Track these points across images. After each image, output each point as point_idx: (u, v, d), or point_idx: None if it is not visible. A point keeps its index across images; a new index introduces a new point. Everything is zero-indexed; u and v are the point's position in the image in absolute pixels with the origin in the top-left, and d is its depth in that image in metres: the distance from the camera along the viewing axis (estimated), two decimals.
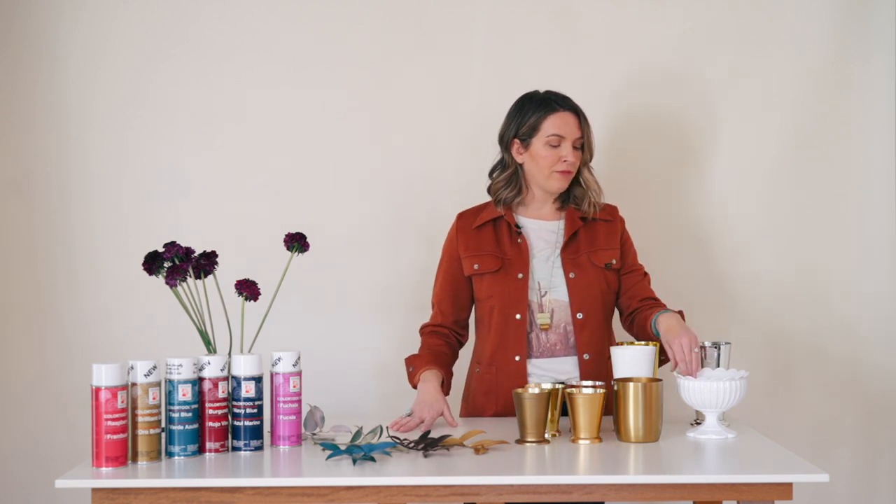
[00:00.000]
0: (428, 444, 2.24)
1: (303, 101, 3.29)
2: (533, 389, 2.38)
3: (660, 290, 3.35)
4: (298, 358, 2.36)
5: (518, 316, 2.65)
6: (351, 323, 3.29)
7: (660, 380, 2.37)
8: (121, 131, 3.28)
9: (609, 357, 2.64)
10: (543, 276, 2.69)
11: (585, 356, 2.66)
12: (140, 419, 2.18)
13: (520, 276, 2.66)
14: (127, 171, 3.28)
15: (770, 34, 3.31)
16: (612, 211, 2.81)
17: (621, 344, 2.60)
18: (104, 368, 2.13)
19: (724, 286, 3.33)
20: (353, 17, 3.29)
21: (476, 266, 2.72)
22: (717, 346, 2.50)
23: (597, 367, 2.66)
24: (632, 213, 3.29)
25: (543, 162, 2.69)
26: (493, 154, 3.05)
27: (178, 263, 2.38)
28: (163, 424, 2.24)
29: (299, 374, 2.36)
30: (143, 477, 2.08)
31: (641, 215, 3.29)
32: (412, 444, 2.26)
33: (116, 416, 2.14)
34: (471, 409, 2.75)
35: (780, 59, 3.30)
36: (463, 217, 2.80)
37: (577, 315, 2.66)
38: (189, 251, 2.41)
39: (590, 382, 2.44)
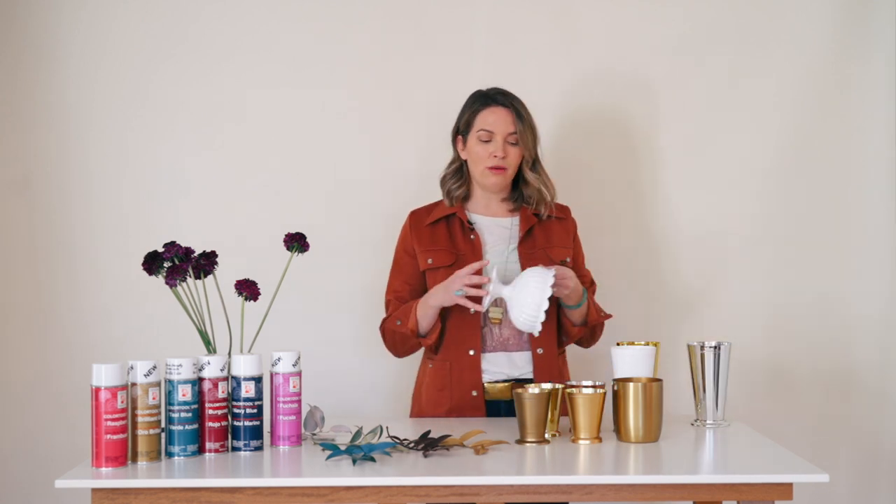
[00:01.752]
0: (428, 444, 2.24)
1: (303, 101, 3.29)
2: (533, 389, 2.38)
3: (660, 288, 3.36)
4: (298, 358, 2.36)
5: (472, 310, 2.65)
6: (351, 323, 3.28)
7: (660, 380, 2.37)
8: (121, 131, 3.28)
9: (560, 353, 2.72)
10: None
11: (539, 351, 2.67)
12: (140, 419, 2.18)
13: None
14: (127, 171, 3.28)
15: (770, 34, 3.31)
16: (565, 210, 2.83)
17: (621, 344, 2.61)
18: (104, 368, 2.13)
19: (724, 285, 3.32)
20: (353, 17, 3.29)
21: (430, 261, 2.72)
22: (717, 346, 2.50)
23: (549, 362, 2.68)
24: (632, 212, 3.31)
25: (476, 157, 2.71)
26: None
27: (177, 263, 2.38)
28: (162, 424, 2.24)
29: (299, 374, 2.36)
30: (142, 477, 2.08)
31: (641, 214, 3.30)
32: (412, 444, 2.26)
33: (116, 416, 2.14)
34: (423, 405, 2.74)
35: (780, 59, 3.30)
36: (416, 214, 2.81)
37: None
38: (189, 251, 2.41)
39: (590, 382, 2.44)
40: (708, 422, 2.51)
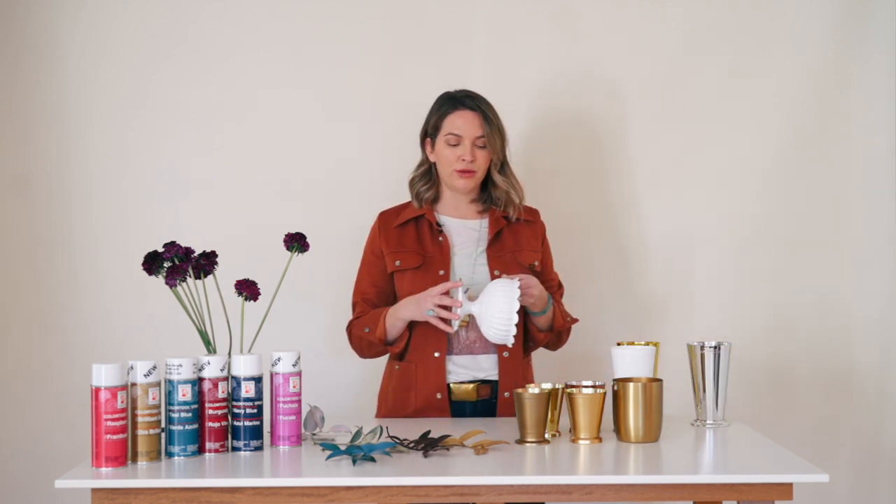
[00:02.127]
0: (428, 444, 2.24)
1: (303, 101, 3.29)
2: (533, 389, 2.38)
3: (663, 288, 3.35)
4: (298, 358, 2.36)
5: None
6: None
7: (660, 380, 2.37)
8: (121, 131, 3.28)
9: (525, 356, 2.73)
10: (465, 274, 2.70)
11: (505, 354, 2.68)
12: (140, 419, 2.18)
13: (441, 272, 2.66)
14: (127, 171, 3.28)
15: (770, 34, 3.31)
16: (534, 213, 2.84)
17: (621, 344, 2.61)
18: (104, 368, 2.13)
19: (724, 285, 3.32)
20: (354, 16, 3.29)
21: (398, 262, 2.72)
22: (717, 346, 2.50)
23: (515, 365, 2.69)
24: (635, 211, 3.30)
25: (444, 161, 2.72)
26: None
27: (177, 263, 2.38)
28: (162, 424, 2.24)
29: (299, 374, 2.36)
30: (142, 477, 2.08)
31: (643, 213, 3.30)
32: (412, 444, 2.26)
33: (116, 416, 2.14)
34: (389, 406, 2.74)
35: (781, 59, 3.30)
36: (384, 216, 2.81)
37: None
38: (189, 251, 2.41)
39: (590, 382, 2.44)
40: (708, 422, 2.51)
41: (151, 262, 2.40)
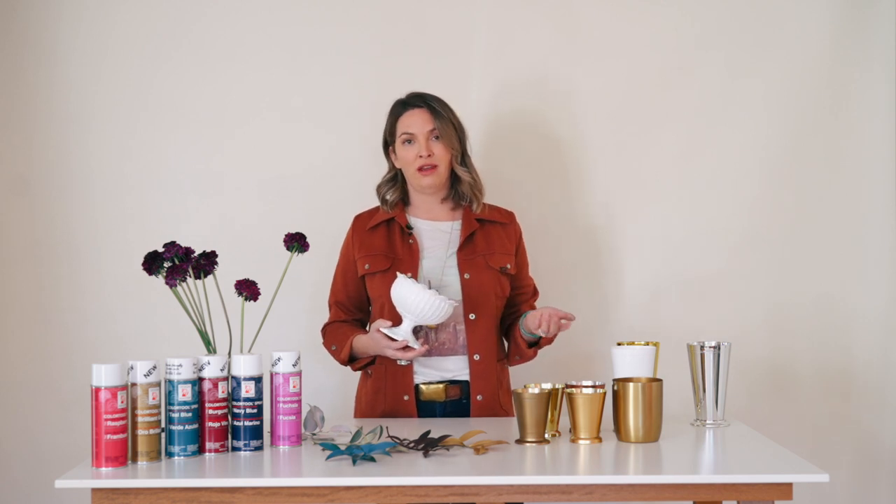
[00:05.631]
0: (428, 444, 2.24)
1: (303, 102, 3.29)
2: (533, 389, 2.38)
3: (663, 287, 3.35)
4: (298, 358, 2.36)
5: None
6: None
7: (660, 380, 2.37)
8: (122, 131, 3.28)
9: (500, 359, 2.73)
10: (434, 276, 2.70)
11: (476, 357, 2.69)
12: (140, 419, 2.18)
13: (409, 276, 2.65)
14: (128, 172, 3.28)
15: (769, 35, 3.30)
16: (509, 216, 2.85)
17: (621, 344, 2.61)
18: (104, 368, 2.13)
19: (724, 285, 3.32)
20: (353, 17, 3.29)
21: (367, 266, 2.74)
22: (717, 346, 2.50)
23: (486, 367, 2.70)
24: (635, 210, 3.29)
25: (405, 162, 2.76)
26: (492, 154, 3.05)
27: (177, 263, 2.38)
28: (162, 424, 2.24)
29: (299, 374, 2.36)
30: (142, 477, 2.08)
31: (642, 211, 3.29)
32: (412, 444, 2.26)
33: (116, 416, 2.14)
34: (363, 408, 2.76)
35: (779, 61, 3.30)
36: (359, 219, 2.83)
37: (470, 316, 2.69)
38: (189, 251, 2.41)
39: (590, 382, 2.44)
40: (708, 422, 2.51)
41: (151, 262, 2.40)
